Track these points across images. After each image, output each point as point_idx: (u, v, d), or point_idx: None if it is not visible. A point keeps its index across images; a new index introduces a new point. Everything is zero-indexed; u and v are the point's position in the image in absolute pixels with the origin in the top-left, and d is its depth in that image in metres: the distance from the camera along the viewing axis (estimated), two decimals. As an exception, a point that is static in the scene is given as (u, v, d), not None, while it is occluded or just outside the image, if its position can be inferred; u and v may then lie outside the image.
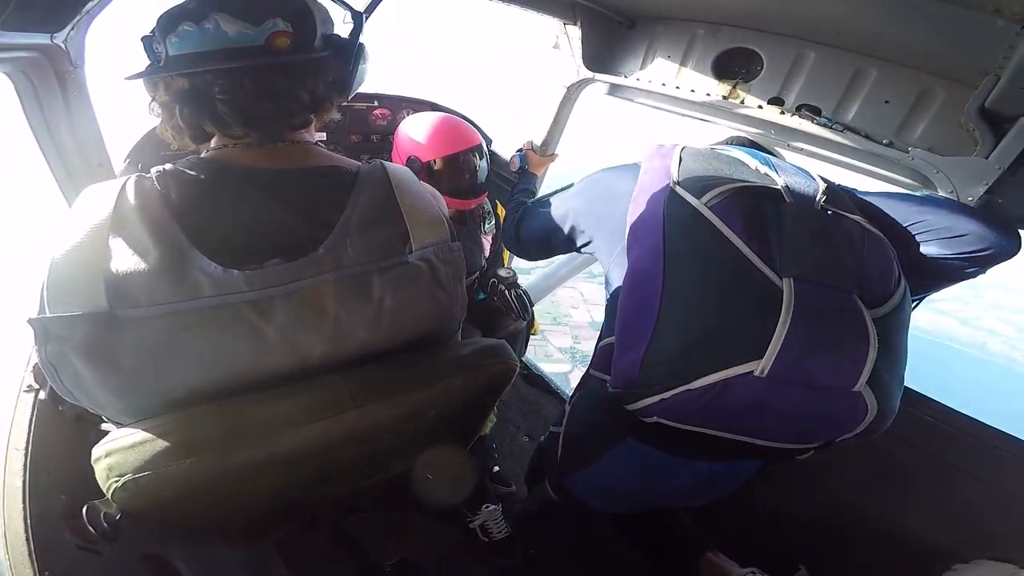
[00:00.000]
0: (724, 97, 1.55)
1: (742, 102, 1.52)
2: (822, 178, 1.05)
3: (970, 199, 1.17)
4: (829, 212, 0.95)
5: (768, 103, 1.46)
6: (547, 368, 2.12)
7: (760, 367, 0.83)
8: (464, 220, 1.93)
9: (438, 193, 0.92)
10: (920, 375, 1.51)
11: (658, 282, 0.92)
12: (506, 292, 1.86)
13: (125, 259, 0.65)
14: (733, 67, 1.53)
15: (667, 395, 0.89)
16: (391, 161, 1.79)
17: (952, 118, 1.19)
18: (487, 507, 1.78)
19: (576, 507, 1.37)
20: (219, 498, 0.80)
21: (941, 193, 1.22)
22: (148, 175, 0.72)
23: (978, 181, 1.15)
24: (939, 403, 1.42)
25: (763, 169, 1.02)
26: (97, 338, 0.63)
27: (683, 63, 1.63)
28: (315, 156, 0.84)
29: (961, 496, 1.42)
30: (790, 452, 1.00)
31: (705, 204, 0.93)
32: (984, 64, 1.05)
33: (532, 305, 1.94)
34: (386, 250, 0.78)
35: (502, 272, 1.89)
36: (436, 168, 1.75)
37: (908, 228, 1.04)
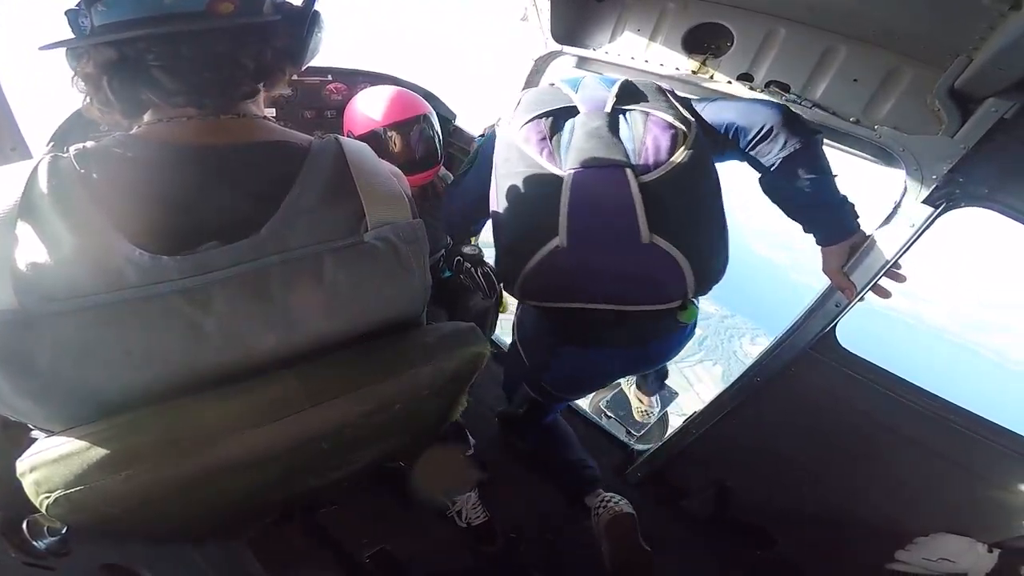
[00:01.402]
0: (693, 72, 1.53)
1: (711, 77, 1.50)
2: (627, 83, 1.25)
3: (934, 177, 1.20)
4: (615, 111, 1.18)
5: (737, 79, 1.45)
6: (511, 339, 2.08)
7: (559, 240, 1.07)
8: (426, 196, 1.86)
9: (399, 171, 0.85)
10: (863, 346, 1.56)
11: (487, 201, 1.21)
12: (472, 270, 1.81)
13: (37, 249, 0.56)
14: (703, 42, 1.51)
15: (518, 279, 1.15)
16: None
17: (918, 97, 1.21)
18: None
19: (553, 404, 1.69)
20: (168, 508, 0.72)
21: (904, 170, 1.25)
22: (65, 154, 0.63)
23: (942, 159, 1.17)
24: (906, 381, 1.45)
25: (570, 92, 1.25)
26: (7, 339, 0.55)
27: (652, 37, 1.60)
28: (261, 130, 0.75)
29: (922, 472, 1.47)
30: (657, 313, 1.19)
31: (515, 133, 1.19)
32: (956, 45, 1.06)
33: (499, 283, 1.90)
34: (339, 229, 0.71)
35: (467, 250, 1.84)
36: (382, 140, 1.70)
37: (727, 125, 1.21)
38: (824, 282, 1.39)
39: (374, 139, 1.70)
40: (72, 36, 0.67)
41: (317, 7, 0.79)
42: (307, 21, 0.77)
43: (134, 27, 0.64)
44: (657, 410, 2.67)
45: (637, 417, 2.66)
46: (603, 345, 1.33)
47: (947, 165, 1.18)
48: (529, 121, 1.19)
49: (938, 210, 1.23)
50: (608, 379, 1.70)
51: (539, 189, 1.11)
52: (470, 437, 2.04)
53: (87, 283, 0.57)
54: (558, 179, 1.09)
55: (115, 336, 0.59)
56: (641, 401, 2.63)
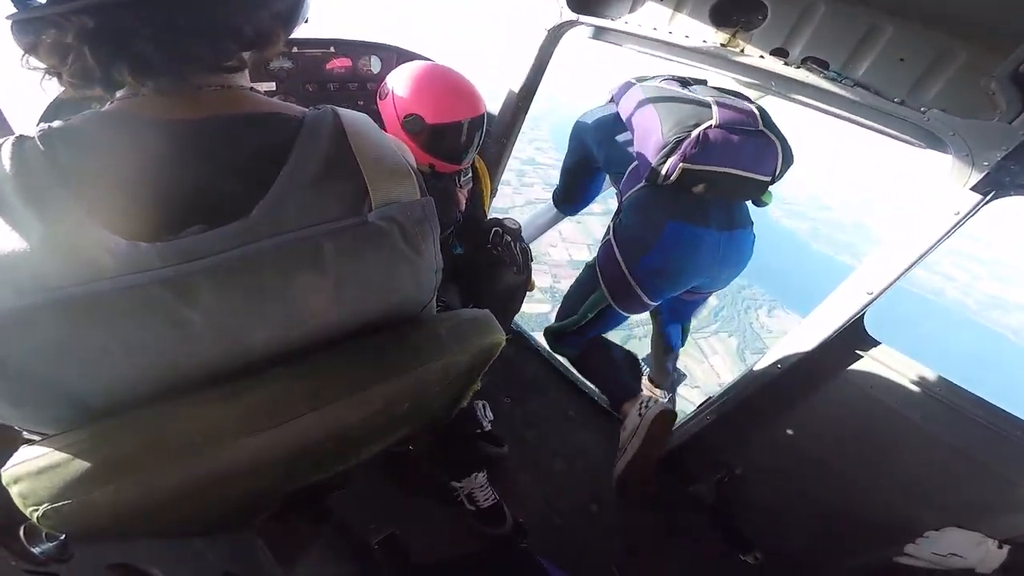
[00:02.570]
0: (722, 45, 1.41)
1: (742, 51, 1.39)
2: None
3: (985, 164, 1.12)
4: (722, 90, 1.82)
5: (770, 54, 1.34)
6: (527, 308, 2.11)
7: (713, 121, 1.61)
8: (436, 172, 1.77)
9: (403, 144, 0.77)
10: (879, 320, 1.50)
11: (655, 115, 1.70)
12: (512, 244, 1.75)
13: (2, 238, 0.51)
14: (733, 16, 1.39)
15: (682, 147, 1.62)
16: (378, 111, 1.62)
17: (970, 80, 1.11)
18: (474, 476, 1.77)
19: (632, 300, 1.92)
20: (163, 515, 0.69)
21: (952, 155, 1.17)
22: (30, 136, 0.56)
23: (997, 146, 1.08)
24: (934, 373, 1.40)
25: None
26: None
27: (677, 8, 1.47)
28: (248, 102, 0.67)
29: (939, 466, 1.44)
30: (761, 183, 1.71)
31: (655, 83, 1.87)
32: (1020, 29, 0.97)
33: (531, 260, 1.85)
34: (339, 209, 0.63)
35: (508, 222, 1.78)
36: (437, 129, 1.58)
37: None
38: (852, 259, 1.33)
39: (434, 130, 1.58)
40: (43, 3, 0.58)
41: None
42: None
43: None
44: (667, 396, 2.66)
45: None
46: (708, 224, 1.75)
47: (1001, 152, 1.09)
48: (665, 79, 1.87)
49: (986, 198, 1.15)
50: (694, 276, 1.86)
51: (691, 100, 1.70)
52: (488, 414, 2.04)
53: (59, 274, 0.52)
54: (705, 100, 1.68)
55: (91, 332, 0.53)
56: (652, 392, 2.63)
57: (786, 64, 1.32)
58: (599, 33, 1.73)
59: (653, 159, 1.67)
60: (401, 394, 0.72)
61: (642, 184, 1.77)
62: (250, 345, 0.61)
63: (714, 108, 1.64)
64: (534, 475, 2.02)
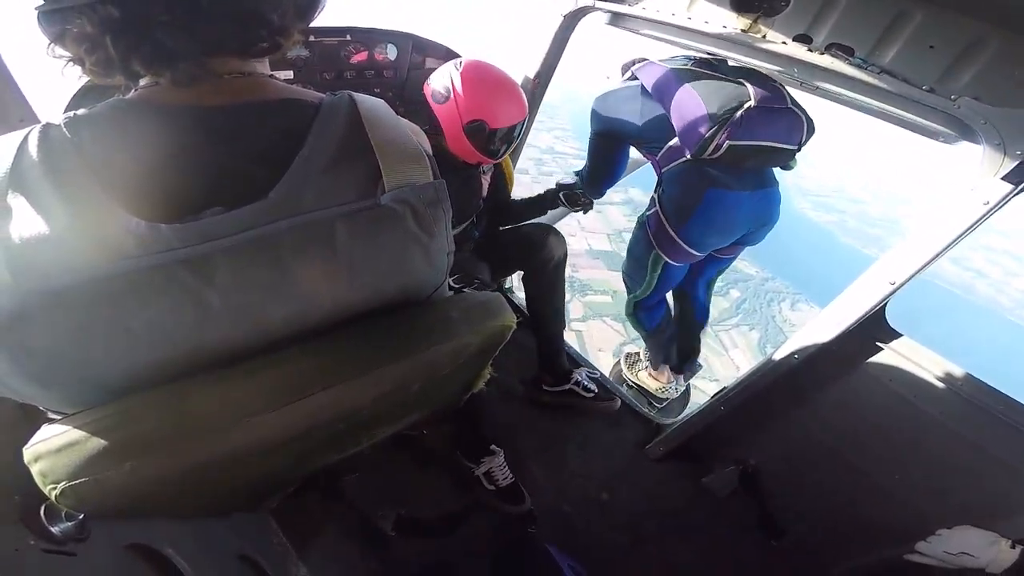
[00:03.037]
0: (743, 31, 1.38)
1: (763, 37, 1.35)
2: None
3: (1019, 153, 1.08)
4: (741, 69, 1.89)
5: (794, 40, 1.30)
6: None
7: (752, 101, 1.75)
8: (468, 163, 1.81)
9: (417, 128, 0.78)
10: (901, 314, 1.46)
11: (697, 97, 1.81)
12: (582, 194, 2.13)
13: (28, 222, 0.52)
14: (754, 1, 1.35)
15: (728, 126, 1.77)
16: (433, 111, 1.66)
17: (1004, 68, 1.07)
18: (492, 456, 1.79)
19: (678, 259, 2.23)
20: (180, 495, 0.72)
21: (983, 144, 1.13)
22: (56, 123, 0.58)
23: None
24: (957, 367, 1.37)
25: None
26: (2, 319, 0.52)
27: None
28: (267, 88, 0.69)
29: (957, 463, 1.41)
30: (790, 152, 1.91)
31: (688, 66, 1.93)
32: None
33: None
34: (353, 192, 0.65)
35: (565, 180, 2.18)
36: (494, 131, 1.66)
37: None
38: (880, 252, 1.30)
39: (492, 132, 1.66)
40: None
41: None
42: None
43: None
44: (678, 386, 2.65)
45: (658, 395, 2.64)
46: (742, 188, 1.98)
47: None
48: (694, 63, 1.93)
49: (1018, 187, 1.12)
50: (733, 233, 2.15)
51: (727, 83, 1.82)
52: (594, 374, 2.26)
53: (81, 256, 0.54)
54: (739, 81, 1.81)
55: (113, 312, 0.55)
56: (658, 380, 2.67)
57: (810, 51, 1.28)
58: (616, 19, 1.71)
59: (698, 137, 1.82)
60: (412, 375, 0.73)
61: (683, 158, 1.97)
62: (267, 326, 0.63)
63: (750, 89, 1.78)
64: (544, 462, 2.03)
